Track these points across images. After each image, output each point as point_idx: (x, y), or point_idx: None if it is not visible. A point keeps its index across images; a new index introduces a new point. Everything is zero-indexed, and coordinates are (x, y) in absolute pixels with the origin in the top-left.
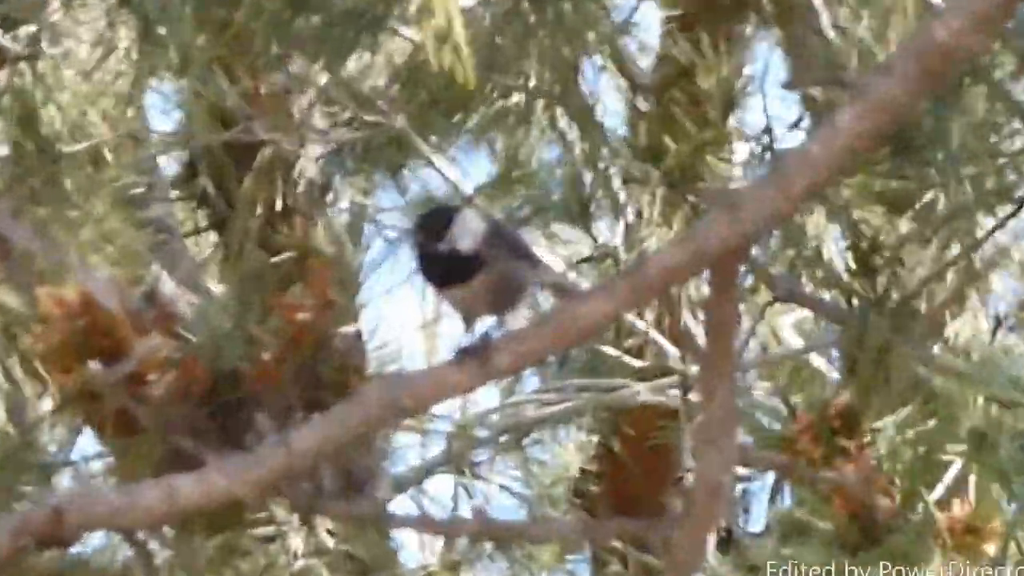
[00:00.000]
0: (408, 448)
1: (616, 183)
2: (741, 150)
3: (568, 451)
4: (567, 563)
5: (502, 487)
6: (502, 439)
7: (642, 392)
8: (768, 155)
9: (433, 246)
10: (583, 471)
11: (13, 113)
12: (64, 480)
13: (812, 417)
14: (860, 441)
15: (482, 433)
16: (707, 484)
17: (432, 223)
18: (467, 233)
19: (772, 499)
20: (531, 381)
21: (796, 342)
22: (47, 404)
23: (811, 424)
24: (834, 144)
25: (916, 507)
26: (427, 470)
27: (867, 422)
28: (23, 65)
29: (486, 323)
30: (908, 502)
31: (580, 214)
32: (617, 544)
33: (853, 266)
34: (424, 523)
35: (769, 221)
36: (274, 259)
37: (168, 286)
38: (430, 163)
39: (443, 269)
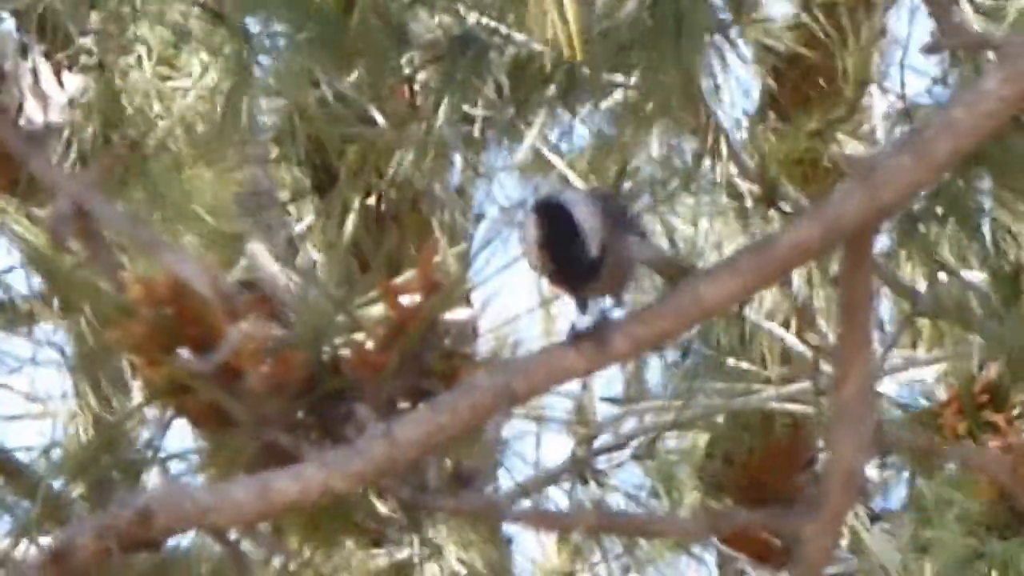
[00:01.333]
0: (523, 436)
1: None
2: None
3: (695, 437)
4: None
5: (627, 495)
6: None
7: (772, 397)
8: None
9: (571, 260)
10: (709, 453)
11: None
12: (152, 478)
13: (958, 390)
14: (1009, 415)
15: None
16: (841, 470)
17: (558, 228)
18: (591, 229)
19: (912, 480)
20: (652, 372)
21: None
22: (135, 398)
23: (957, 397)
24: (978, 109)
25: None
26: (550, 478)
27: (1017, 395)
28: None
29: (601, 303)
30: None
31: None
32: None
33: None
34: (539, 518)
35: (908, 191)
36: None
37: (264, 265)
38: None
39: (579, 276)
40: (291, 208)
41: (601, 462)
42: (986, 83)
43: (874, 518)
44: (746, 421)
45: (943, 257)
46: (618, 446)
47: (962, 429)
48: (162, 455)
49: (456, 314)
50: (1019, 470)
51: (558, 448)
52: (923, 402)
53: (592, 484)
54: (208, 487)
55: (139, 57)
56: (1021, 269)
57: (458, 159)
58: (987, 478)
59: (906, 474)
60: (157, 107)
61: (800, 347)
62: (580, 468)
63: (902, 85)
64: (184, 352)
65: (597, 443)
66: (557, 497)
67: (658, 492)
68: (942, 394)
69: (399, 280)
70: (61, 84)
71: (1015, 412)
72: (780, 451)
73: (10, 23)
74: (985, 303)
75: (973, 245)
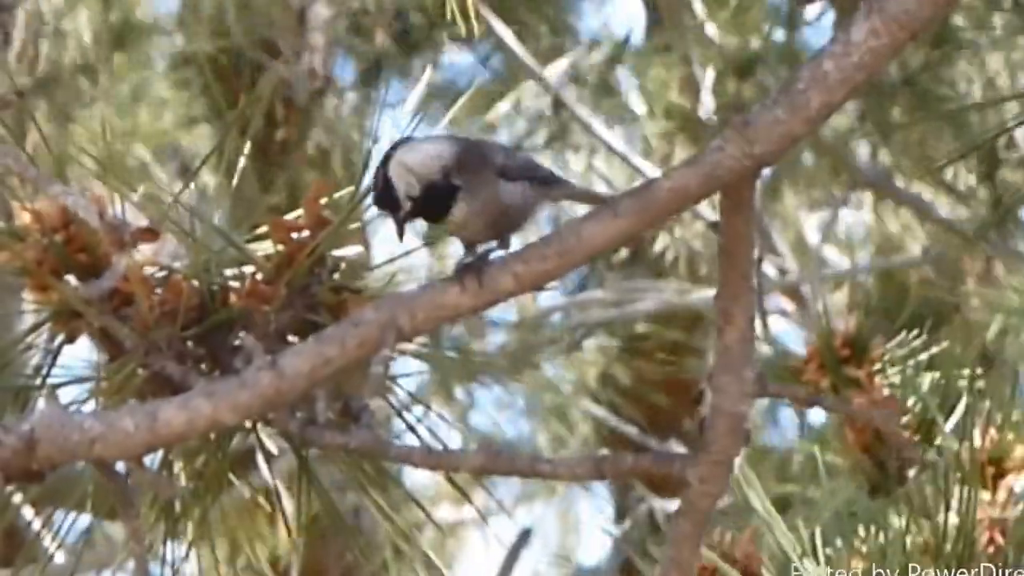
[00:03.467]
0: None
1: None
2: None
3: (589, 355)
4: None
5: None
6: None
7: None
8: None
9: (402, 213)
10: (604, 376)
11: None
12: (39, 406)
13: (817, 345)
14: (870, 369)
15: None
16: (725, 415)
17: (380, 195)
18: (410, 173)
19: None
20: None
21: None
22: (23, 323)
23: (817, 352)
24: (848, 61)
25: (933, 439)
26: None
27: (876, 350)
28: None
29: (488, 245)
30: (924, 434)
31: None
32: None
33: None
34: (426, 458)
35: (783, 143)
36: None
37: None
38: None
39: (421, 212)
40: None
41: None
42: (854, 34)
43: None
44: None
45: None
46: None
47: (825, 385)
48: (51, 382)
49: (345, 249)
50: (893, 412)
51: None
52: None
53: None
54: (95, 415)
55: None
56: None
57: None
58: (865, 429)
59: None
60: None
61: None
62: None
63: None
64: (73, 280)
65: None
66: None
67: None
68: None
69: (288, 216)
70: None
71: (876, 367)
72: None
73: None
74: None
75: None
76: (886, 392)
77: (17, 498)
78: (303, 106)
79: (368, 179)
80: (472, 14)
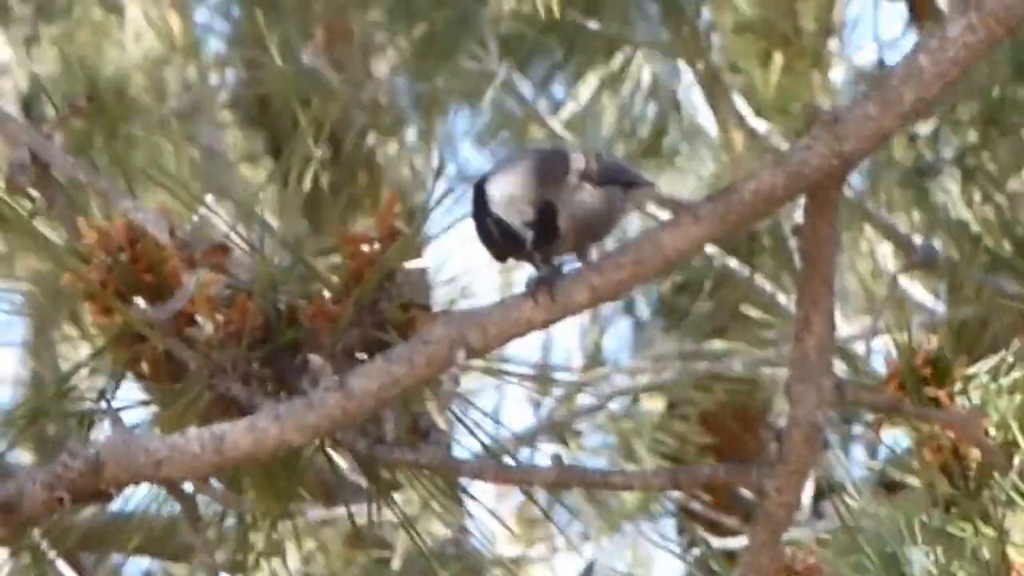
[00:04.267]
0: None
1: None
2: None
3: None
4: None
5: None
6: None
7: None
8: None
9: (535, 247)
10: (671, 407)
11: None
12: (105, 429)
13: (899, 364)
14: (951, 390)
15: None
16: (802, 424)
17: (496, 231)
18: (509, 204)
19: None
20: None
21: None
22: (87, 348)
23: (898, 371)
24: (943, 56)
25: (1012, 459)
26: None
27: (959, 370)
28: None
29: (563, 257)
30: (1005, 456)
31: None
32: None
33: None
34: (498, 473)
35: (873, 140)
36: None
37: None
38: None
39: (525, 253)
40: (246, 171)
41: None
42: (950, 30)
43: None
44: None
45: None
46: (596, 408)
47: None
48: (115, 406)
49: (413, 264)
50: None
51: (520, 406)
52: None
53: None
54: (161, 438)
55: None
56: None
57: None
58: (943, 448)
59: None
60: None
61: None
62: (559, 429)
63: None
64: (139, 300)
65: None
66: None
67: (628, 452)
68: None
69: (357, 229)
70: None
71: (957, 387)
72: (741, 407)
73: None
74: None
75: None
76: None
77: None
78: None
79: (437, 191)
80: None
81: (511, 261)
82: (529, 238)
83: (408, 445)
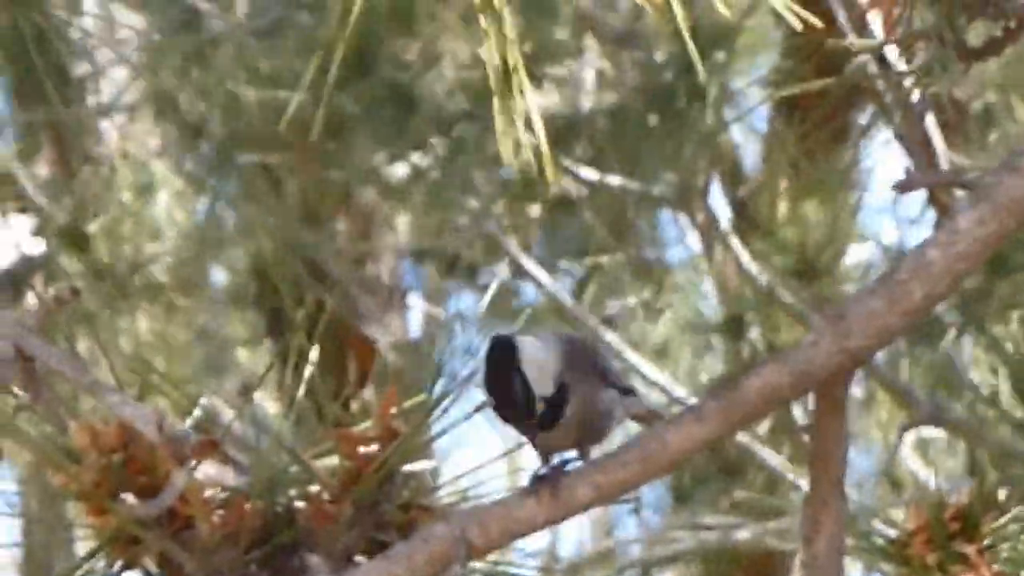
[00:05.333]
0: None
1: None
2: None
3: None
4: None
5: None
6: None
7: (749, 533)
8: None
9: (547, 418)
10: None
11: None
12: None
13: (927, 518)
14: (980, 545)
15: None
16: None
17: (502, 364)
18: (538, 370)
19: None
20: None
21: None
22: (81, 549)
23: (926, 525)
24: (953, 250)
25: None
26: None
27: (988, 524)
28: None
29: (565, 455)
30: None
31: None
32: None
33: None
34: None
35: (881, 337)
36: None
37: (217, 411)
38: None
39: (526, 422)
40: (246, 353)
41: None
42: (960, 222)
43: None
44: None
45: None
46: None
47: (932, 561)
48: None
49: (414, 464)
50: None
51: None
52: (890, 532)
53: None
54: None
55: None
56: None
57: (419, 304)
58: None
59: None
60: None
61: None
62: None
63: None
64: (130, 498)
65: None
66: None
67: None
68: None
69: (356, 429)
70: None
71: (986, 542)
72: None
73: None
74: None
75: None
76: (995, 569)
77: None
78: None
79: (439, 388)
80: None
81: (505, 422)
82: (538, 411)
83: None
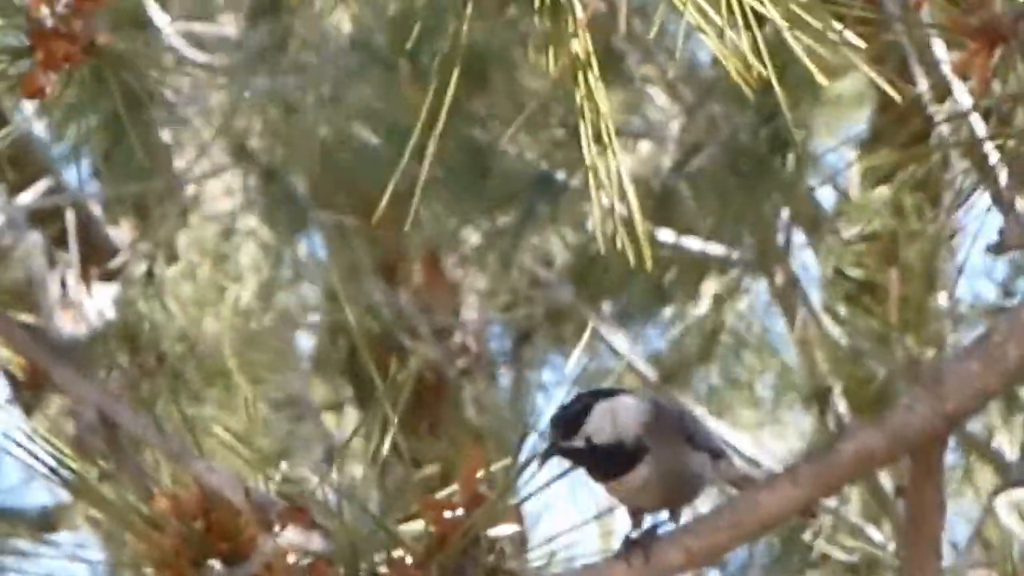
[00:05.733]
0: None
1: None
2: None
3: None
4: None
5: None
6: None
7: None
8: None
9: (567, 443)
10: None
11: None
12: None
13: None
14: None
15: None
16: None
17: (565, 416)
18: (611, 423)
19: None
20: None
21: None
22: None
23: None
24: None
25: None
26: None
27: None
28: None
29: (657, 517)
30: None
31: None
32: None
33: None
34: None
35: (977, 399)
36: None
37: (301, 477)
38: (599, 336)
39: (591, 464)
40: (330, 419)
41: None
42: None
43: None
44: None
45: None
46: None
47: None
48: None
49: (501, 529)
50: None
51: None
52: None
53: None
54: None
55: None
56: None
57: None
58: None
59: None
60: (208, 320)
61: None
62: None
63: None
64: (216, 565)
65: None
66: None
67: None
68: None
69: (441, 494)
70: (90, 293)
71: None
72: None
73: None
74: None
75: None
76: None
77: None
78: (453, 383)
79: (525, 454)
80: None
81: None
82: (575, 444)
83: None
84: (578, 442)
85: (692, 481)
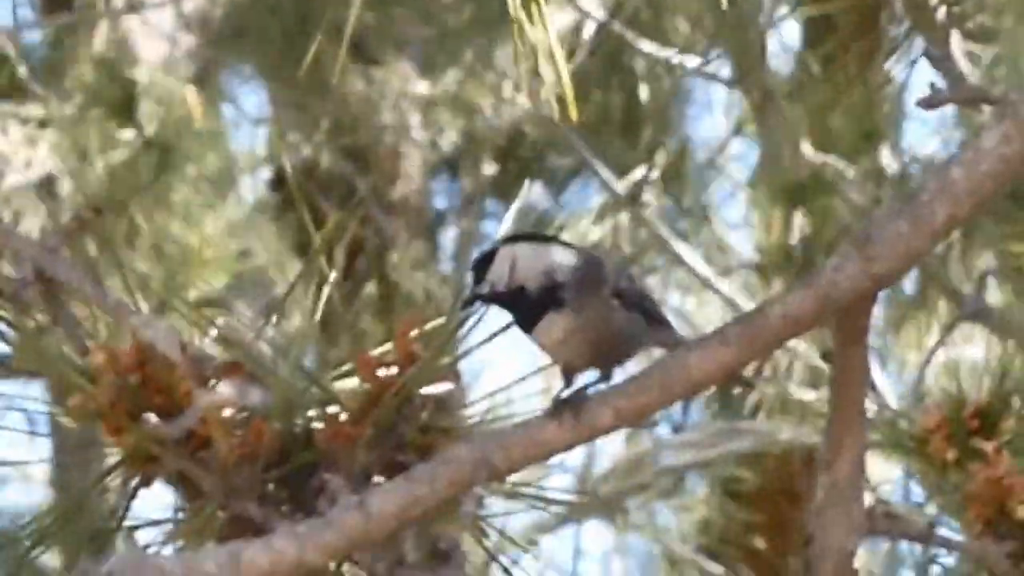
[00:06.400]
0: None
1: None
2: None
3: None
4: None
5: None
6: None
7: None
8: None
9: (478, 289)
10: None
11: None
12: (119, 547)
13: (947, 414)
14: (998, 443)
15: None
16: (833, 552)
17: (476, 262)
18: (508, 269)
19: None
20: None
21: None
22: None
23: (945, 422)
24: (977, 169)
25: None
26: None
27: (1007, 421)
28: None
29: (587, 378)
30: None
31: None
32: None
33: None
34: None
35: (905, 260)
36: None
37: (239, 332)
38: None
39: (510, 311)
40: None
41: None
42: (985, 141)
43: None
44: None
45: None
46: (644, 485)
47: (951, 456)
48: (129, 523)
49: (434, 387)
50: (1020, 566)
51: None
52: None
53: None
54: (176, 556)
55: None
56: None
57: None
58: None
59: None
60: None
61: None
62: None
63: None
64: (151, 418)
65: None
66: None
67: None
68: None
69: (375, 352)
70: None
71: (1005, 438)
72: (778, 523)
73: None
74: None
75: None
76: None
77: None
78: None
79: (461, 312)
80: None
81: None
82: (482, 291)
83: (429, 568)
84: (484, 289)
85: (621, 339)
